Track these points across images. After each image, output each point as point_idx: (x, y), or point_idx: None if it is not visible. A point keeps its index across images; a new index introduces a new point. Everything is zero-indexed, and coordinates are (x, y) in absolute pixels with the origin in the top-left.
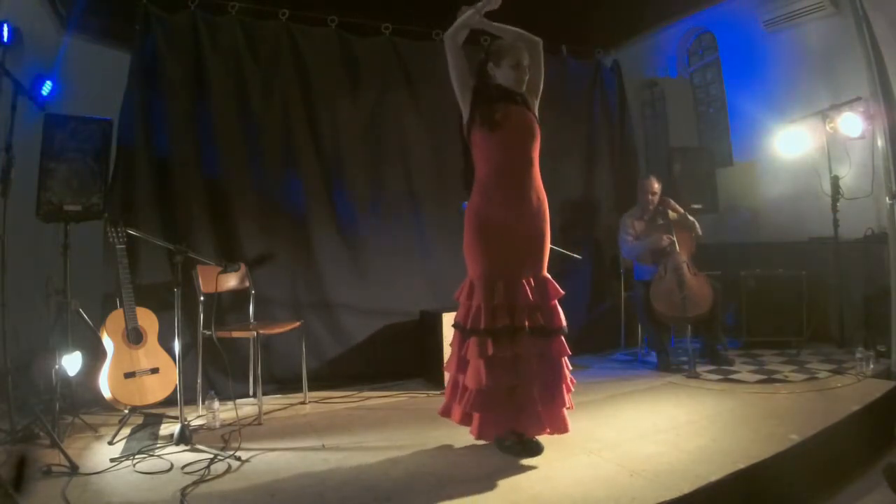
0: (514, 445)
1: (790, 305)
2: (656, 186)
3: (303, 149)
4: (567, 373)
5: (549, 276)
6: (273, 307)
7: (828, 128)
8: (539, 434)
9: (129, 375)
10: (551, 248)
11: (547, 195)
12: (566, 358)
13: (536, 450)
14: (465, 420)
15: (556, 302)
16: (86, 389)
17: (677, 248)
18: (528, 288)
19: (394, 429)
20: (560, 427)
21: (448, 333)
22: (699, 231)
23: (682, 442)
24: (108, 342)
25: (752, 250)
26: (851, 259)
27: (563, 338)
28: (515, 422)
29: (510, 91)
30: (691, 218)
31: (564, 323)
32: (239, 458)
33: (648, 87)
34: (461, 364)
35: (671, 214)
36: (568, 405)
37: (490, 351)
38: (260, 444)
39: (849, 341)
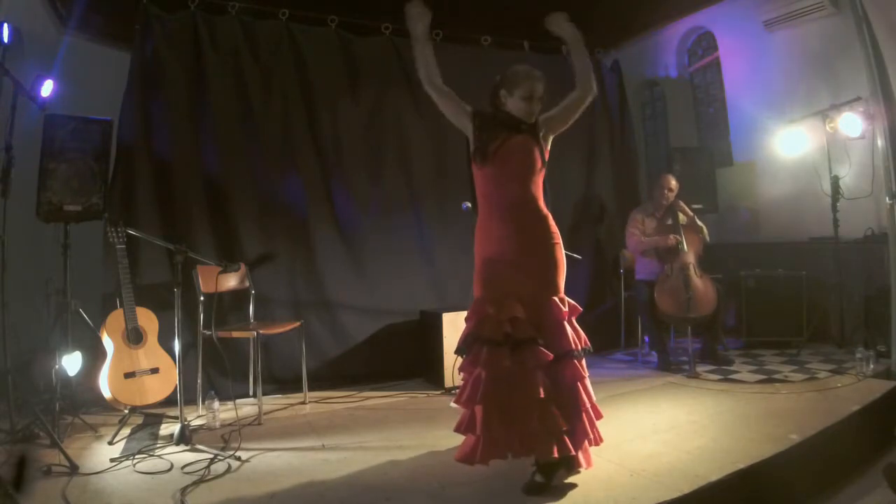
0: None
1: (790, 305)
2: (674, 183)
3: (303, 149)
4: (586, 400)
5: (557, 298)
6: (273, 307)
7: (828, 128)
8: (549, 455)
9: (129, 375)
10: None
11: (548, 196)
12: (583, 384)
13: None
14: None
15: (568, 324)
16: (86, 389)
17: (685, 248)
18: (527, 310)
19: (394, 429)
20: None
21: (448, 333)
22: (707, 236)
23: (682, 442)
24: (108, 342)
25: (752, 250)
26: (851, 259)
27: (576, 362)
28: (524, 446)
29: (516, 120)
30: (700, 222)
31: (576, 346)
32: (239, 458)
33: (648, 87)
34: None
35: (681, 217)
36: (591, 437)
37: (483, 360)
38: (260, 444)
39: (849, 341)
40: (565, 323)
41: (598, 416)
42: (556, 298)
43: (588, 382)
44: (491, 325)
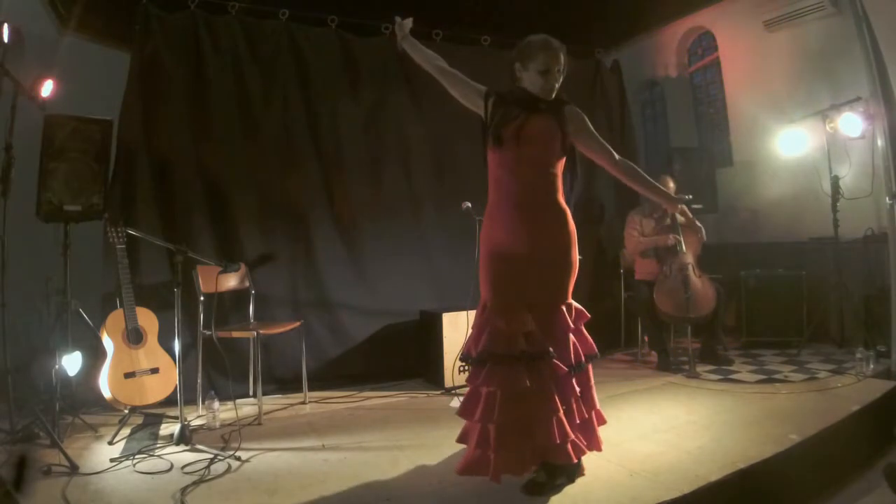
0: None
1: (790, 305)
2: (671, 186)
3: (303, 149)
4: (585, 410)
5: (566, 305)
6: (273, 307)
7: (828, 128)
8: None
9: (129, 375)
10: None
11: (570, 190)
12: (586, 393)
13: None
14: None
15: (574, 333)
16: (86, 389)
17: (684, 248)
18: (535, 319)
19: (394, 429)
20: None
21: (448, 333)
22: (704, 235)
23: (682, 442)
24: (108, 342)
25: (752, 250)
26: (851, 259)
27: (573, 377)
28: (536, 456)
29: (534, 98)
30: (698, 223)
31: (577, 361)
32: (239, 458)
33: (648, 87)
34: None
35: (679, 217)
36: (592, 443)
37: (499, 379)
38: (260, 444)
39: (849, 341)
40: (570, 335)
41: (601, 421)
42: (563, 307)
43: (592, 390)
44: (504, 340)
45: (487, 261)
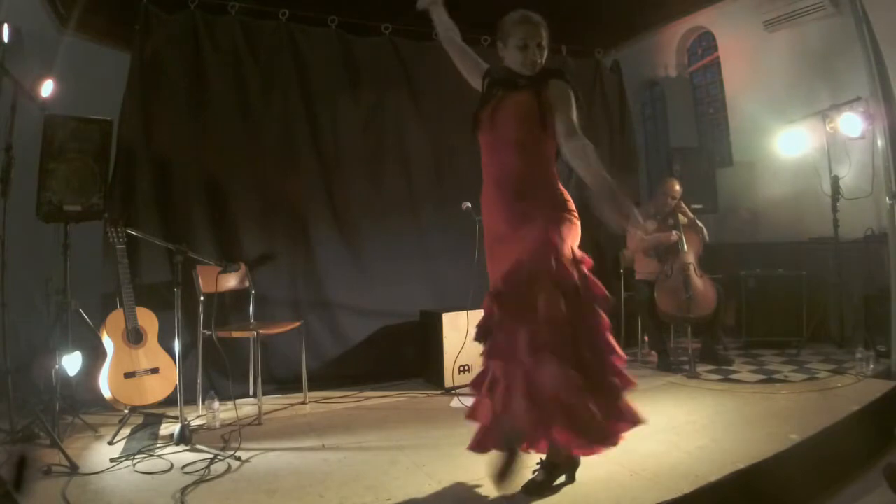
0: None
1: (790, 305)
2: (677, 189)
3: (303, 149)
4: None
5: (554, 262)
6: (273, 307)
7: (828, 128)
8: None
9: (129, 375)
10: None
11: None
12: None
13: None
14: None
15: (585, 286)
16: (86, 389)
17: (685, 248)
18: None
19: (394, 429)
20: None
21: (448, 333)
22: (706, 236)
23: (682, 442)
24: (108, 342)
25: (752, 250)
26: (851, 259)
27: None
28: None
29: (513, 75)
30: (700, 223)
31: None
32: (239, 458)
33: (648, 87)
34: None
35: (681, 218)
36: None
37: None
38: (260, 444)
39: (849, 341)
40: (525, 289)
41: (627, 384)
42: (523, 258)
43: (604, 342)
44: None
45: (485, 243)
